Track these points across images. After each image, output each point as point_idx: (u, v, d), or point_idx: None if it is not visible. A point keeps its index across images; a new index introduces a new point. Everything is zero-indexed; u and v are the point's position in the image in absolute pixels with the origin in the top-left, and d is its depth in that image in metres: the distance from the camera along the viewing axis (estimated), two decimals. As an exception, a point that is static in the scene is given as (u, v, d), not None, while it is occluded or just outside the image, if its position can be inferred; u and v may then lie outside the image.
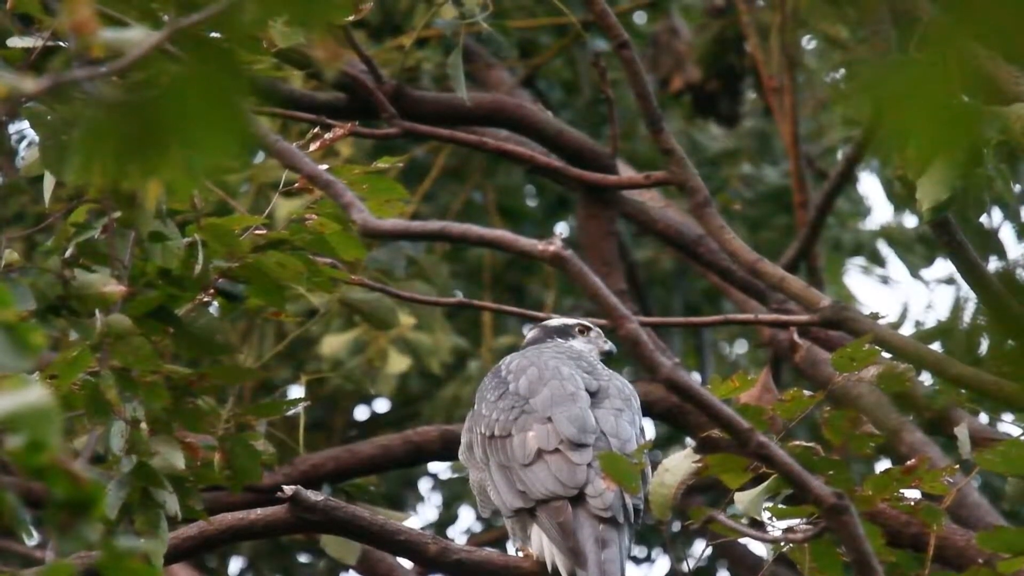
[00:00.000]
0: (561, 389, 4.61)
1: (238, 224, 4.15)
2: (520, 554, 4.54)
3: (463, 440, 4.73)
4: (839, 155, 8.49)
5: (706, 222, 5.01)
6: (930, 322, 8.73)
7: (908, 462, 4.30)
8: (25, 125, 6.96)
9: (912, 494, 4.33)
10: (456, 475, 8.34)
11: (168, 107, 2.76)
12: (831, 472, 4.21)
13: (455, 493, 8.47)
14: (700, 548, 8.51)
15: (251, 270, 4.15)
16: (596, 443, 4.53)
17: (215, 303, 4.16)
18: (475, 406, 4.72)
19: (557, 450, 4.52)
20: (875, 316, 4.65)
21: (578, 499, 4.46)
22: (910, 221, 8.81)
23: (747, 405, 4.24)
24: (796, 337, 5.81)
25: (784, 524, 4.24)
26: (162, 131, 2.79)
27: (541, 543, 4.48)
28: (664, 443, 8.50)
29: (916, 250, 8.72)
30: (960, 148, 4.08)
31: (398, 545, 4.50)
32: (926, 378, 4.66)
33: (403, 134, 5.60)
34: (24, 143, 7.31)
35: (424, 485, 8.48)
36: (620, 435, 4.55)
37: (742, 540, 6.84)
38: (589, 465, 4.48)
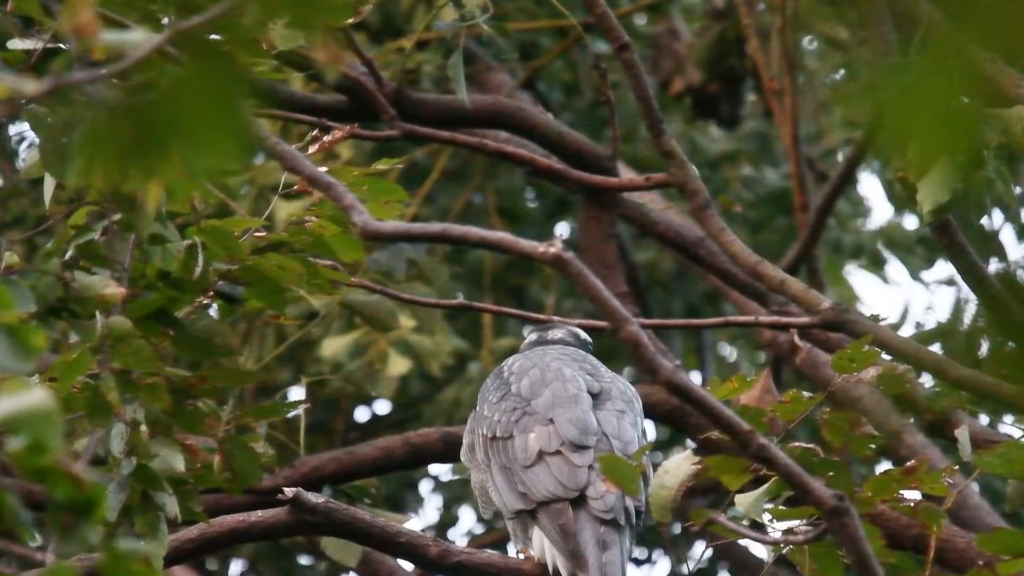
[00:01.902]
0: (563, 391, 4.61)
1: (238, 226, 4.15)
2: (521, 556, 4.54)
3: (465, 441, 4.73)
4: (840, 157, 8.50)
5: (707, 224, 5.00)
6: (930, 324, 8.73)
7: (908, 464, 4.30)
8: (26, 127, 6.97)
9: (912, 496, 4.33)
10: (457, 477, 8.34)
11: (169, 109, 2.76)
12: (831, 474, 4.21)
13: (456, 495, 8.47)
14: (701, 550, 8.52)
15: (251, 272, 4.14)
16: (598, 445, 4.53)
17: (215, 305, 4.16)
18: (477, 407, 4.72)
19: (558, 452, 4.52)
20: (875, 318, 4.65)
21: (579, 501, 4.46)
22: (911, 223, 8.82)
23: (747, 407, 4.24)
24: (797, 339, 5.81)
25: (784, 526, 4.24)
26: (163, 133, 2.79)
27: (542, 545, 4.47)
28: (665, 445, 8.51)
29: (917, 252, 8.73)
30: (961, 150, 4.07)
31: (399, 547, 4.50)
32: (926, 380, 4.66)
33: (403, 136, 5.60)
34: (24, 145, 7.31)
35: (425, 487, 8.48)
36: (622, 437, 4.55)
37: (743, 542, 6.84)
38: (590, 467, 4.48)
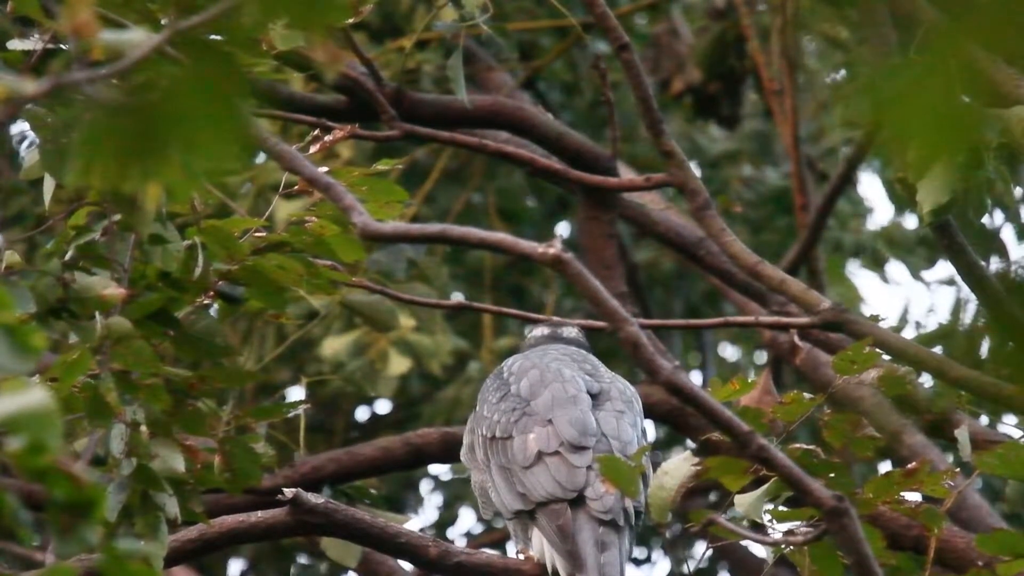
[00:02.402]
0: (562, 391, 4.60)
1: (238, 227, 4.15)
2: (521, 556, 4.54)
3: (465, 441, 4.73)
4: (840, 157, 8.50)
5: (706, 224, 5.00)
6: (931, 324, 8.73)
7: (909, 466, 4.30)
8: (26, 127, 6.96)
9: (913, 497, 4.33)
10: (457, 477, 8.35)
11: (168, 110, 2.76)
12: (831, 475, 4.21)
13: (456, 495, 8.47)
14: (701, 550, 8.52)
15: (251, 272, 4.14)
16: (597, 445, 4.53)
17: (215, 305, 4.15)
18: (477, 408, 4.72)
19: (557, 452, 4.52)
20: (875, 318, 4.65)
21: (578, 502, 4.46)
22: (911, 223, 8.82)
23: (747, 408, 4.24)
24: (797, 340, 5.80)
25: (784, 527, 4.24)
26: (162, 134, 2.79)
27: (541, 545, 4.47)
28: (665, 445, 8.51)
29: (917, 252, 8.72)
30: (961, 150, 4.07)
31: (398, 547, 4.49)
32: (927, 380, 4.66)
33: (403, 136, 5.60)
34: (25, 144, 7.31)
35: (425, 487, 8.48)
36: (621, 437, 4.55)
37: (743, 543, 6.84)
38: (589, 468, 4.48)
